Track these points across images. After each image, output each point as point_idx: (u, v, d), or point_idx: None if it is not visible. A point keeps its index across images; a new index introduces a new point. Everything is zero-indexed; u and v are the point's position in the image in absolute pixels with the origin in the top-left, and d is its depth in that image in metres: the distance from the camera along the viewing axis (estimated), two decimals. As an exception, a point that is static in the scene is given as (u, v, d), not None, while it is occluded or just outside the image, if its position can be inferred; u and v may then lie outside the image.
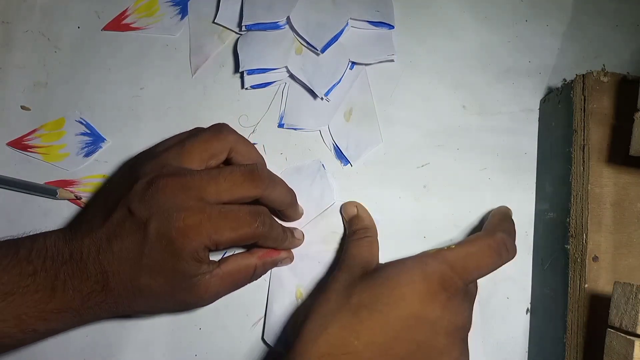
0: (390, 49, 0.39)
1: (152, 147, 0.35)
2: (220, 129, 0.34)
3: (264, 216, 0.32)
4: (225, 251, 0.37)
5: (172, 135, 0.36)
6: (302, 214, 0.37)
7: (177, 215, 0.29)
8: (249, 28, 0.39)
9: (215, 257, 0.35)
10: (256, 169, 0.32)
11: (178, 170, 0.31)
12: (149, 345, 0.36)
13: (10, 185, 0.37)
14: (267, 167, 0.36)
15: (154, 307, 0.33)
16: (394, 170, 0.39)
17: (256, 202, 0.33)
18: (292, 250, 0.37)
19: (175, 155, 0.32)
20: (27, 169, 0.38)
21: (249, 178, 0.31)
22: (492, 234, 0.31)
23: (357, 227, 0.35)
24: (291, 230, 0.36)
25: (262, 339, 0.36)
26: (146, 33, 0.40)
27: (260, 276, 0.35)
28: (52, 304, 0.29)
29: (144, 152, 0.36)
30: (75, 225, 0.32)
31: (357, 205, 0.37)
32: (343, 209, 0.37)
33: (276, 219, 0.35)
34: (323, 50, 0.38)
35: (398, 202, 0.38)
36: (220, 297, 0.33)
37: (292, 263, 0.37)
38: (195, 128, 0.36)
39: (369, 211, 0.37)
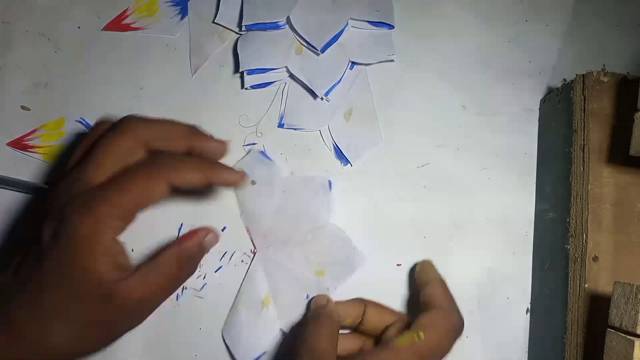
0: (390, 49, 0.39)
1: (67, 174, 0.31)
2: (124, 127, 0.30)
3: (156, 157, 0.29)
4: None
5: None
6: (240, 176, 0.31)
7: (62, 211, 0.27)
8: (249, 28, 0.39)
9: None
10: (125, 119, 0.30)
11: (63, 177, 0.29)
12: (149, 345, 0.36)
13: (10, 185, 0.37)
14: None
15: (74, 337, 0.27)
16: (394, 170, 0.39)
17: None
18: (265, 255, 0.36)
19: (79, 180, 0.28)
20: (27, 169, 0.38)
21: (120, 130, 0.29)
22: (450, 316, 0.32)
23: (320, 312, 0.33)
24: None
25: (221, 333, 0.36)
26: (146, 33, 0.40)
27: (193, 268, 0.31)
28: None
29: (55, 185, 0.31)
30: None
31: (328, 298, 0.35)
32: (314, 298, 0.36)
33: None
34: (323, 51, 0.38)
35: (398, 202, 0.38)
36: (153, 306, 0.29)
37: (270, 271, 0.36)
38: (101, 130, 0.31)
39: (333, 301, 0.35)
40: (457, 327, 0.32)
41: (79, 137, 0.31)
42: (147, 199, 0.28)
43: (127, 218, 0.28)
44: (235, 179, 0.31)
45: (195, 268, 0.31)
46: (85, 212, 0.26)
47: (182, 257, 0.29)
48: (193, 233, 0.30)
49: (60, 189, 0.28)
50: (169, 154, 0.30)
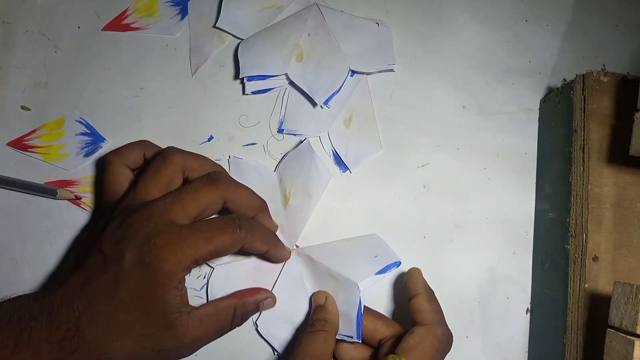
0: (391, 58, 0.38)
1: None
2: (166, 154, 0.34)
3: (239, 220, 0.32)
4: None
5: (172, 134, 0.36)
6: (289, 253, 0.37)
7: (149, 241, 0.29)
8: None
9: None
10: (214, 174, 0.33)
11: (142, 204, 0.31)
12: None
13: (10, 185, 0.37)
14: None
15: (130, 355, 0.30)
16: (393, 171, 0.39)
17: None
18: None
19: (134, 196, 0.33)
20: (27, 169, 0.38)
21: (209, 183, 0.32)
22: (435, 333, 0.32)
23: (317, 317, 0.34)
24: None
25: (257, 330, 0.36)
26: (146, 33, 0.40)
27: (243, 321, 0.34)
28: (14, 358, 0.27)
29: (104, 205, 0.35)
30: (47, 284, 0.31)
31: (326, 295, 0.35)
32: (313, 296, 0.36)
33: (260, 222, 0.35)
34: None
35: (398, 202, 0.38)
36: (202, 344, 0.32)
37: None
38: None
39: (337, 304, 0.35)
40: (443, 344, 0.32)
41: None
42: (222, 254, 0.32)
43: (200, 263, 0.31)
44: (286, 256, 0.36)
45: (245, 321, 0.34)
46: (173, 250, 0.29)
47: (239, 310, 0.33)
48: (255, 291, 0.35)
49: (142, 217, 0.30)
50: (247, 220, 0.33)
